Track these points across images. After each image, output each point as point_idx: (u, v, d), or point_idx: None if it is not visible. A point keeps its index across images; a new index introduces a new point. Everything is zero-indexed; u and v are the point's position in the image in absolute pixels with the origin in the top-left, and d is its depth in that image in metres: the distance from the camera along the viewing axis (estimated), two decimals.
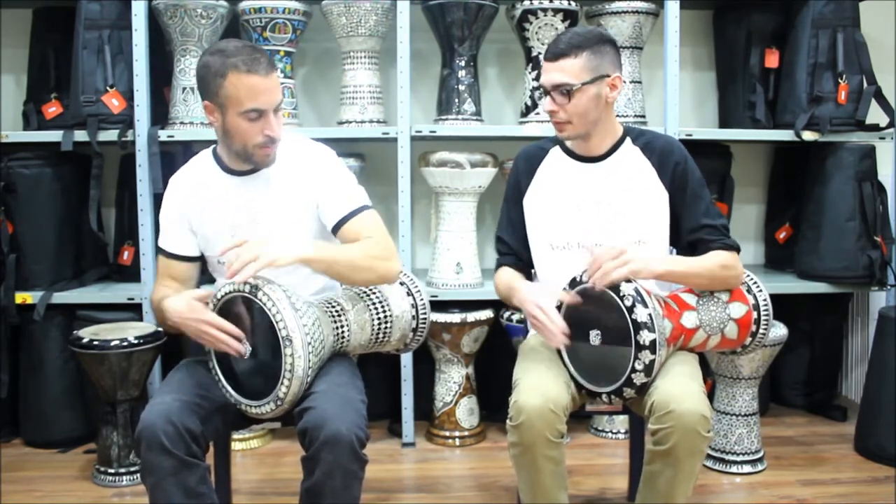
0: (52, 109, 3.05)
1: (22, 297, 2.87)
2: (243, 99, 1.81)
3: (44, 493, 2.56)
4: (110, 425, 2.62)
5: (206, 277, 2.16)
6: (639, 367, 1.78)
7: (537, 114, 3.03)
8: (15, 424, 3.01)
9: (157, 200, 2.13)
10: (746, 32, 3.18)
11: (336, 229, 1.93)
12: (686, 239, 2.01)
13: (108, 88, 2.86)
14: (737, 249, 2.00)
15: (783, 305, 2.88)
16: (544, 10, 2.95)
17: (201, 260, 2.06)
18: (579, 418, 2.89)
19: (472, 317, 2.86)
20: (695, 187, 2.01)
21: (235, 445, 2.85)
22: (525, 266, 2.12)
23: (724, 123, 3.39)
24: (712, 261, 1.95)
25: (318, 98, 3.39)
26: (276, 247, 1.76)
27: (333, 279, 1.99)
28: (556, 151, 2.10)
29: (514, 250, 2.12)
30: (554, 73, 1.93)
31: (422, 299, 2.15)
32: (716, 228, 1.99)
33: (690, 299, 1.96)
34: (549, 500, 1.80)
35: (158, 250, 2.04)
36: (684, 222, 2.01)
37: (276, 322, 1.72)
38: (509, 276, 2.10)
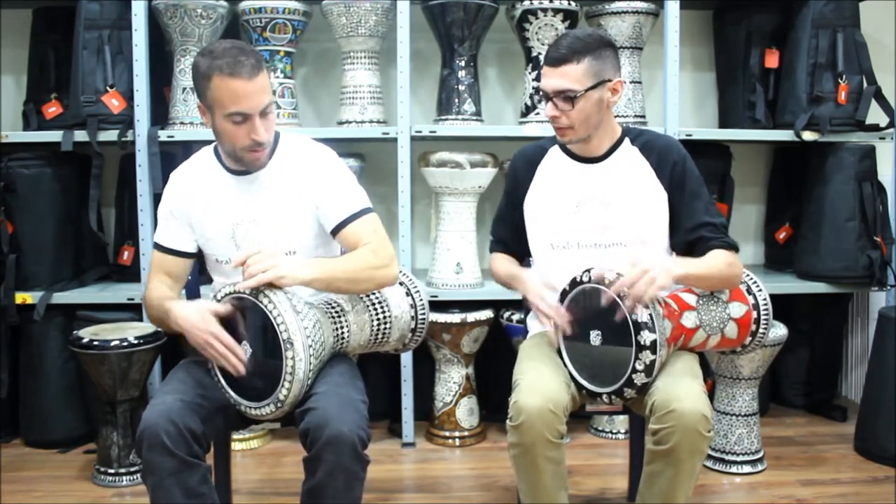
0: (52, 109, 3.05)
1: (22, 297, 2.87)
2: (226, 102, 1.80)
3: (44, 493, 2.56)
4: (110, 425, 2.62)
5: (205, 278, 2.16)
6: (639, 367, 1.78)
7: (537, 114, 3.03)
8: (15, 424, 3.00)
9: (157, 200, 2.12)
10: (746, 32, 3.18)
11: (335, 232, 1.93)
12: (686, 238, 2.00)
13: (108, 88, 2.86)
14: (736, 248, 1.99)
15: (783, 305, 2.89)
16: (544, 11, 2.95)
17: (196, 257, 2.05)
18: (579, 418, 2.89)
19: (472, 317, 2.86)
20: (694, 186, 2.00)
21: (235, 445, 2.85)
22: (515, 257, 2.19)
23: (723, 123, 3.39)
24: (720, 260, 1.94)
25: (318, 98, 3.39)
26: (287, 266, 1.78)
27: (334, 294, 1.99)
28: (555, 151, 2.10)
29: (505, 242, 2.19)
30: (556, 78, 1.92)
31: (421, 300, 2.15)
32: (715, 227, 1.98)
33: (690, 299, 1.95)
34: (550, 500, 1.80)
35: (154, 245, 2.03)
36: (684, 221, 2.00)
37: (278, 325, 1.72)
38: (507, 262, 2.15)
